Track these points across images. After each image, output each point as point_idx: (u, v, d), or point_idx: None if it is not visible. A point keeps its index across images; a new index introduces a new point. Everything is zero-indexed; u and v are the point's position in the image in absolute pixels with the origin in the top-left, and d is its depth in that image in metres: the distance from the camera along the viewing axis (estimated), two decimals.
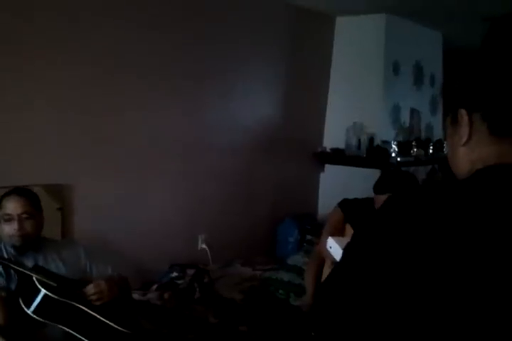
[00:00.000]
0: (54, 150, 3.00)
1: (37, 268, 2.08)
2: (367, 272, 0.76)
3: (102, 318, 2.05)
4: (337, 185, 4.61)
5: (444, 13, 4.50)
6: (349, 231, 2.62)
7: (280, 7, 4.26)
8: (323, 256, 2.64)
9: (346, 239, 0.87)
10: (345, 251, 0.83)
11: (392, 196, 0.82)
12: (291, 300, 3.42)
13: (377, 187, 2.54)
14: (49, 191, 2.92)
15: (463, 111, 0.83)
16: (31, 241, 2.17)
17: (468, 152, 0.84)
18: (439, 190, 0.80)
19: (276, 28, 4.30)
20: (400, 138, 4.76)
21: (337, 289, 0.80)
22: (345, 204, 2.77)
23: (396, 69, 4.76)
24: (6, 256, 2.12)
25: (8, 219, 2.12)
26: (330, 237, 1.45)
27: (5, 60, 2.75)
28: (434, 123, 5.35)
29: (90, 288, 2.09)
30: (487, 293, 0.70)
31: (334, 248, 1.41)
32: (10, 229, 2.11)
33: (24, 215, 2.13)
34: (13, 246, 2.14)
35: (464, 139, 0.84)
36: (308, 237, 4.16)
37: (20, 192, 2.22)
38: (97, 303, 2.09)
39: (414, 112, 5.05)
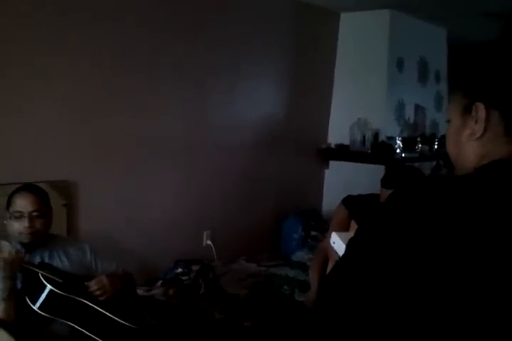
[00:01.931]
0: (60, 146, 3.01)
1: (43, 265, 2.09)
2: (369, 267, 0.76)
3: (107, 313, 2.06)
4: (342, 181, 4.62)
5: (448, 9, 4.49)
6: (354, 227, 2.61)
7: (284, 3, 4.26)
8: (328, 253, 2.64)
9: (350, 234, 0.86)
10: (349, 246, 0.83)
11: (396, 191, 0.81)
12: (295, 296, 3.43)
13: (385, 181, 2.52)
14: (55, 187, 2.93)
15: (481, 106, 0.80)
16: (39, 239, 2.16)
17: (479, 147, 0.82)
18: (444, 185, 0.79)
19: (280, 24, 4.29)
20: (405, 134, 4.75)
21: (339, 284, 0.80)
22: (349, 201, 2.77)
23: (400, 65, 4.75)
24: None
25: (19, 216, 2.10)
26: (333, 232, 1.44)
27: (6, 58, 2.76)
28: (439, 119, 5.33)
29: (92, 284, 2.10)
30: (490, 290, 0.69)
31: (337, 243, 1.40)
32: (20, 226, 2.10)
33: (35, 213, 2.11)
34: (21, 243, 2.13)
35: (478, 134, 0.81)
36: (313, 233, 4.16)
37: (32, 189, 2.20)
38: (101, 298, 2.09)
39: (418, 108, 5.04)
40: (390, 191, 2.52)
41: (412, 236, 0.73)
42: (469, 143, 0.83)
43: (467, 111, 0.83)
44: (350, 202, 2.75)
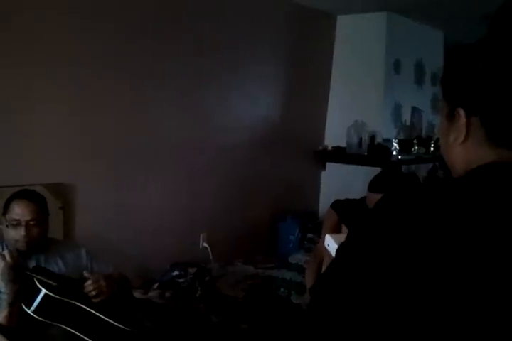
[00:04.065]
0: (56, 149, 3.01)
1: (37, 269, 2.08)
2: (359, 271, 0.76)
3: (103, 317, 2.05)
4: (338, 184, 4.62)
5: (445, 12, 4.50)
6: (345, 231, 2.61)
7: (281, 5, 4.26)
8: (323, 256, 2.64)
9: (343, 236, 0.86)
10: (339, 250, 0.83)
11: (387, 194, 0.81)
12: (292, 298, 3.43)
13: (373, 186, 2.48)
14: (51, 190, 2.93)
15: (461, 112, 0.80)
16: (35, 246, 2.15)
17: (464, 151, 0.82)
18: (434, 188, 0.79)
19: (277, 27, 4.30)
20: (401, 136, 4.76)
21: (330, 289, 0.80)
22: (337, 206, 2.74)
23: (397, 67, 4.75)
24: None
25: (16, 224, 2.08)
26: (327, 235, 1.45)
27: (6, 61, 2.76)
28: (435, 121, 5.34)
29: (89, 284, 2.08)
30: (482, 293, 0.69)
31: (332, 245, 1.41)
32: (16, 234, 2.08)
33: (32, 222, 2.10)
34: (18, 251, 2.08)
35: (460, 140, 0.81)
36: (310, 235, 4.15)
37: (31, 196, 2.17)
38: (97, 300, 2.08)
39: (415, 110, 5.05)
40: (376, 195, 2.51)
41: (403, 240, 0.73)
42: (455, 148, 0.84)
43: (451, 115, 0.83)
44: (339, 207, 2.73)
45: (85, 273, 2.11)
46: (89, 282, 2.10)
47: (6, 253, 1.91)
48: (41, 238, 2.17)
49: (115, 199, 3.34)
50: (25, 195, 2.18)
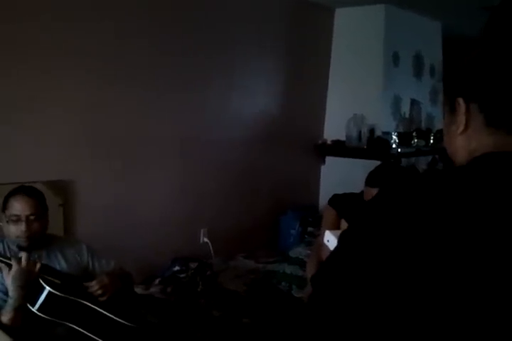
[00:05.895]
0: (56, 147, 3.01)
1: (40, 266, 2.08)
2: (360, 261, 0.76)
3: (106, 313, 2.06)
4: (338, 177, 4.62)
5: (443, 3, 4.48)
6: (344, 226, 2.60)
7: None
8: (321, 252, 2.63)
9: None
10: (340, 240, 0.83)
11: (387, 186, 0.81)
12: (293, 292, 3.44)
13: (370, 180, 2.46)
14: (51, 187, 2.93)
15: (460, 101, 0.82)
16: (37, 241, 2.15)
17: (465, 141, 0.84)
18: (434, 179, 0.79)
19: (275, 21, 4.28)
20: (401, 129, 4.76)
21: (330, 279, 0.80)
22: (335, 201, 2.73)
23: (396, 59, 4.75)
24: (8, 254, 2.08)
25: (16, 220, 2.08)
26: (327, 231, 1.45)
27: (7, 60, 2.75)
28: (435, 113, 5.34)
29: (93, 284, 2.09)
30: (486, 285, 0.69)
31: (331, 241, 1.41)
32: (17, 229, 2.08)
33: (32, 216, 2.09)
34: (19, 246, 2.10)
35: (461, 128, 0.83)
36: (310, 229, 4.17)
37: (29, 192, 2.16)
38: (102, 298, 2.09)
39: (414, 103, 5.05)
40: (374, 189, 2.47)
41: (402, 230, 0.73)
42: (457, 138, 0.85)
43: (452, 108, 0.85)
44: (337, 202, 2.72)
45: (86, 284, 2.11)
46: (93, 282, 2.10)
47: (23, 257, 1.91)
48: (42, 233, 2.16)
49: (115, 196, 3.34)
50: (23, 190, 2.17)
